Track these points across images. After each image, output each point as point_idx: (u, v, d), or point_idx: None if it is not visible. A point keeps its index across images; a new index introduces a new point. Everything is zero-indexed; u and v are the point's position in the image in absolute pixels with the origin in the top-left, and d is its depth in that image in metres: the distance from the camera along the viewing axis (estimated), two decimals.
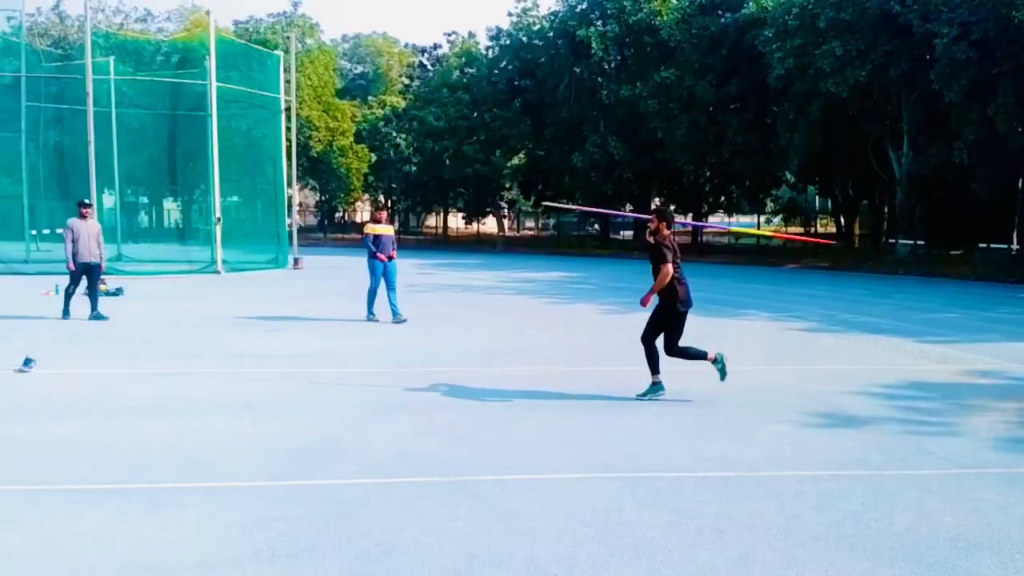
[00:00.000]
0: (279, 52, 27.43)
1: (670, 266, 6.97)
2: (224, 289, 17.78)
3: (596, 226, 48.93)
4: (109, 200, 28.35)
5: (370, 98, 50.96)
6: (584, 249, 40.47)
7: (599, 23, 37.30)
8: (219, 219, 22.00)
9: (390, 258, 12.12)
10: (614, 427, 6.24)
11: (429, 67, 53.34)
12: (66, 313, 11.98)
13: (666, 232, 7.18)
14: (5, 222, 24.96)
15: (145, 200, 42.32)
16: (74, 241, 11.84)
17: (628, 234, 48.74)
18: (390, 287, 12.19)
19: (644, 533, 4.13)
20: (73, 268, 11.89)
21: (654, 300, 7.21)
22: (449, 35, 50.70)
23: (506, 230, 49.07)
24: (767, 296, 17.42)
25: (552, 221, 54.73)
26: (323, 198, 55.48)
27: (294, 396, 7.20)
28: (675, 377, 7.35)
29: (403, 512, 4.39)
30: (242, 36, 39.74)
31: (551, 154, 41.15)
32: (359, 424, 6.25)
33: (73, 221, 12.03)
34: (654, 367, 7.17)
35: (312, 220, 61.05)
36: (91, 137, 20.09)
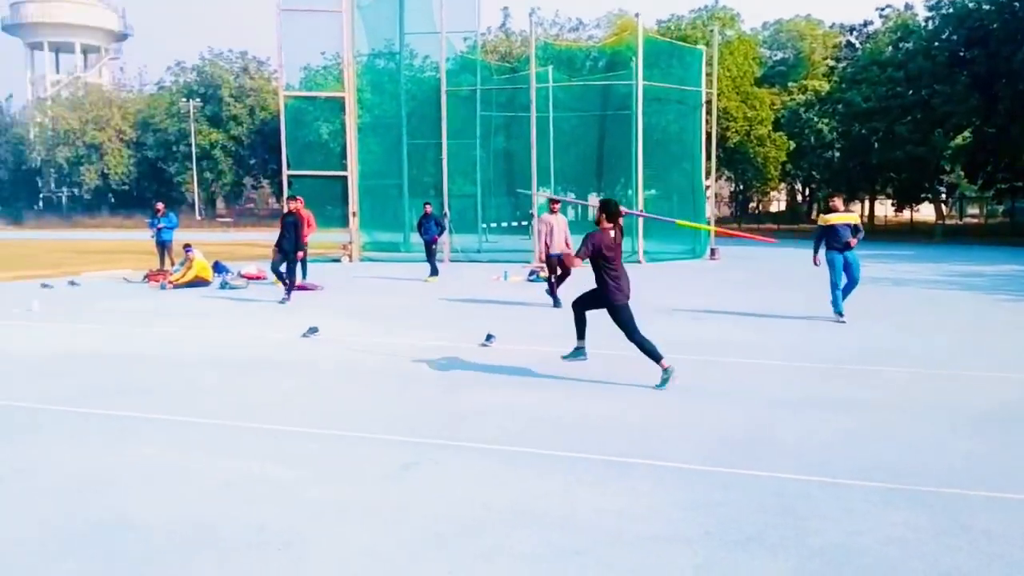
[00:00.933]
0: (701, 47, 27.72)
1: (578, 260, 7.08)
2: (647, 278, 18.52)
3: None
4: (542, 196, 31.26)
5: (790, 84, 49.16)
6: None
7: None
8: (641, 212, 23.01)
9: (847, 247, 11.13)
10: None
11: (857, 46, 49.73)
12: (556, 302, 12.60)
13: (605, 225, 7.08)
14: (462, 217, 28.81)
15: (572, 195, 45.83)
16: (547, 235, 12.66)
17: None
18: (851, 280, 11.26)
19: None
20: (543, 259, 12.92)
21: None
22: (882, 10, 46.62)
23: (945, 217, 43.84)
24: None
25: (1003, 207, 47.64)
26: (737, 188, 54.99)
27: (721, 383, 7.23)
28: None
29: (855, 515, 4.16)
30: (664, 35, 40.92)
31: (1007, 131, 35.71)
32: (791, 417, 6.08)
33: (545, 216, 12.97)
34: (580, 333, 7.61)
35: (725, 211, 60.84)
36: (533, 141, 22.33)
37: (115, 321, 11.68)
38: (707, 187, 27.67)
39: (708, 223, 25.76)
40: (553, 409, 6.42)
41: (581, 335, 7.55)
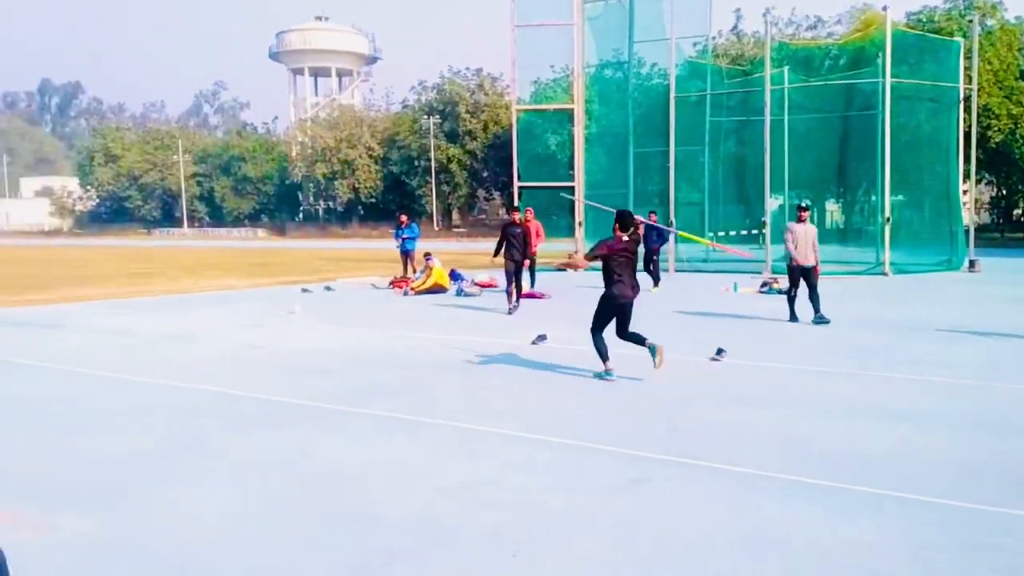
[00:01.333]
0: (957, 39, 25.28)
1: (585, 261, 8.31)
2: (894, 291, 17.15)
3: None
4: (775, 203, 29.89)
5: None
6: None
7: None
8: (888, 219, 21.38)
9: None
10: None
11: None
12: (793, 317, 12.07)
13: (619, 234, 7.79)
14: (687, 225, 28.23)
15: (807, 202, 43.46)
16: (794, 244, 11.96)
17: None
18: None
19: None
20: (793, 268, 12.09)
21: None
22: None
23: None
24: None
25: None
26: (999, 193, 49.51)
27: (984, 411, 6.50)
28: None
29: None
30: (915, 28, 37.75)
31: None
32: None
33: (792, 225, 12.19)
34: (603, 356, 8.01)
35: (985, 218, 54.91)
36: (767, 145, 21.45)
37: (364, 324, 12.67)
38: (964, 192, 25.13)
39: (967, 232, 23.33)
40: (789, 430, 6.11)
41: (605, 357, 8.03)
